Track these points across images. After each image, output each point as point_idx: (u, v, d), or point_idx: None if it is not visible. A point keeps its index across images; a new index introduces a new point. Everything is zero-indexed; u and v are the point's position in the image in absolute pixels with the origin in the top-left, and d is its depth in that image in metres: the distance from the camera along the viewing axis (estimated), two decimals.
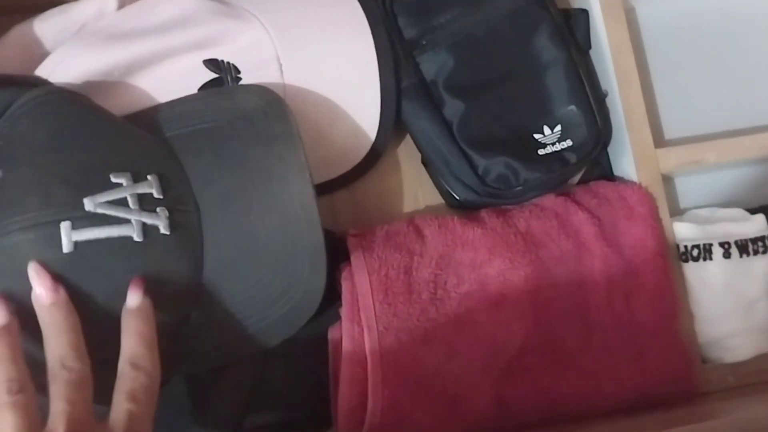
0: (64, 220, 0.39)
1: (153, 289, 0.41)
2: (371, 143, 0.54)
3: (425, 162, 0.57)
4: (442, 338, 0.48)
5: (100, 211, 0.40)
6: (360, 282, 0.48)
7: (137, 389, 0.37)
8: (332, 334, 0.49)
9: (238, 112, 0.47)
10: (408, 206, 0.58)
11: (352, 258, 0.49)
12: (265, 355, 0.49)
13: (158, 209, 0.42)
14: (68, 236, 0.39)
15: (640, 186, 0.54)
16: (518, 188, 0.54)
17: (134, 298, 0.40)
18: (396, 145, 0.58)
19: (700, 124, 0.60)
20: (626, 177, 0.56)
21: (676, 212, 0.58)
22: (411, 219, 0.53)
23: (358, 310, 0.47)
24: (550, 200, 0.54)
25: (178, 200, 0.44)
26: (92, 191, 0.40)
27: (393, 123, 0.54)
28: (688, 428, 0.42)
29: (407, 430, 0.47)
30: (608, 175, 0.58)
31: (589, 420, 0.50)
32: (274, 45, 0.52)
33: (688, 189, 0.60)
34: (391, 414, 0.46)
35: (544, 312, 0.51)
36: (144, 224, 0.41)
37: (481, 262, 0.50)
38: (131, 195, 0.41)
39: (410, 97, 0.55)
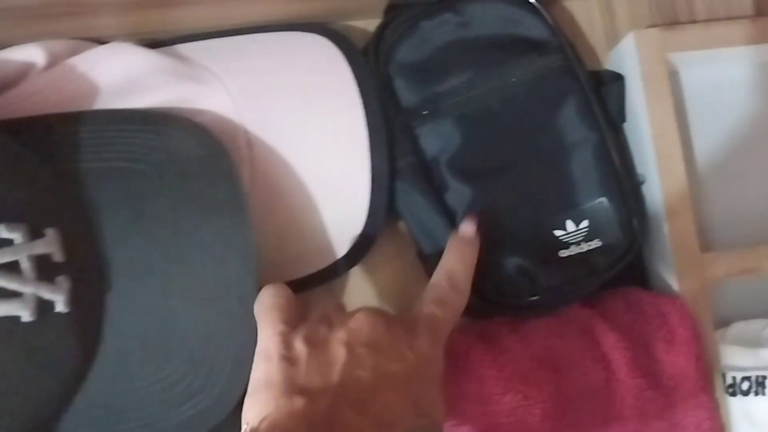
0: None
1: (25, 383, 0.31)
2: (356, 236, 0.44)
3: (421, 257, 0.47)
4: None
5: None
6: None
7: (446, 300, 0.38)
8: None
9: (166, 156, 0.36)
10: (398, 309, 0.48)
11: None
12: None
13: (58, 278, 0.32)
14: None
15: (682, 302, 0.44)
16: (534, 298, 0.44)
17: (469, 228, 0.42)
18: (386, 235, 0.47)
19: (756, 223, 0.50)
20: (663, 283, 0.46)
21: (720, 322, 0.49)
22: None
23: None
24: (573, 312, 0.45)
25: (82, 267, 0.33)
26: None
27: (384, 212, 0.45)
28: None
29: None
30: (641, 276, 0.49)
31: None
32: (240, 116, 0.42)
33: (733, 292, 0.50)
34: None
35: None
36: (39, 299, 0.31)
37: (488, 398, 0.40)
38: (28, 257, 0.31)
39: (406, 180, 0.45)
